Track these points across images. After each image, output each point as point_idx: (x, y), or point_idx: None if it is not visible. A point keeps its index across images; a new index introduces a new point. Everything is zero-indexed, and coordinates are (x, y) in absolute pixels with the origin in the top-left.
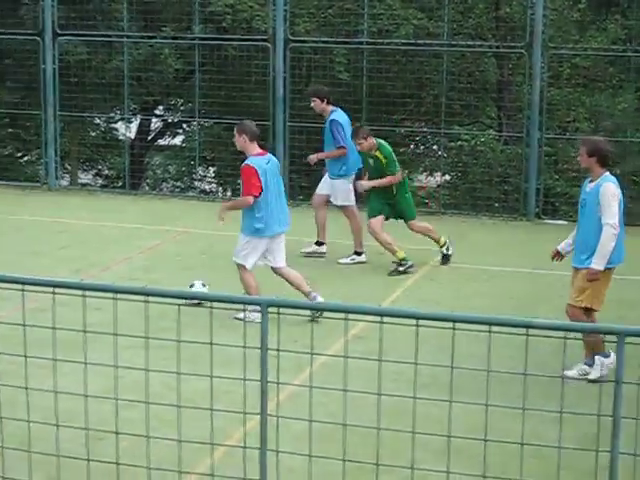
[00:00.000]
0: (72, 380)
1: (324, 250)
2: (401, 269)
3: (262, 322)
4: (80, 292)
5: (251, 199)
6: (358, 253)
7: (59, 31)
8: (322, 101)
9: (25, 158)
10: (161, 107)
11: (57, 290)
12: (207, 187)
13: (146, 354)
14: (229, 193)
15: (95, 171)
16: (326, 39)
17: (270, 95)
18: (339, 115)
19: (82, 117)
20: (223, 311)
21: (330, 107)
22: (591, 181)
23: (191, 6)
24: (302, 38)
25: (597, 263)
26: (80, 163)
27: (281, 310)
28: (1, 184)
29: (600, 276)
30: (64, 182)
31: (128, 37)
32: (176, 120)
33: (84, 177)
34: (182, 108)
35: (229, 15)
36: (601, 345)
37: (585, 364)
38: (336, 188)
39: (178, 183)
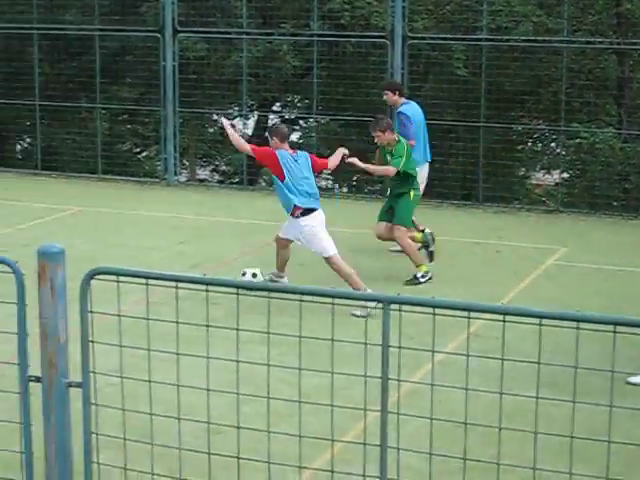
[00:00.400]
0: (192, 374)
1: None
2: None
3: (384, 319)
4: (203, 287)
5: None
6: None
7: (179, 28)
8: (394, 94)
9: (144, 154)
10: (278, 104)
11: (179, 285)
12: (323, 183)
13: (267, 349)
14: (345, 189)
15: (212, 167)
16: (444, 36)
17: None
18: (408, 108)
19: (200, 113)
20: (337, 306)
21: (402, 100)
22: None
23: (309, 3)
24: (420, 35)
25: None
26: (197, 159)
27: (402, 307)
28: (120, 179)
29: None
30: (182, 178)
31: (247, 34)
32: (293, 117)
33: (201, 173)
34: (299, 105)
35: (347, 12)
36: None
37: None
38: None
39: None
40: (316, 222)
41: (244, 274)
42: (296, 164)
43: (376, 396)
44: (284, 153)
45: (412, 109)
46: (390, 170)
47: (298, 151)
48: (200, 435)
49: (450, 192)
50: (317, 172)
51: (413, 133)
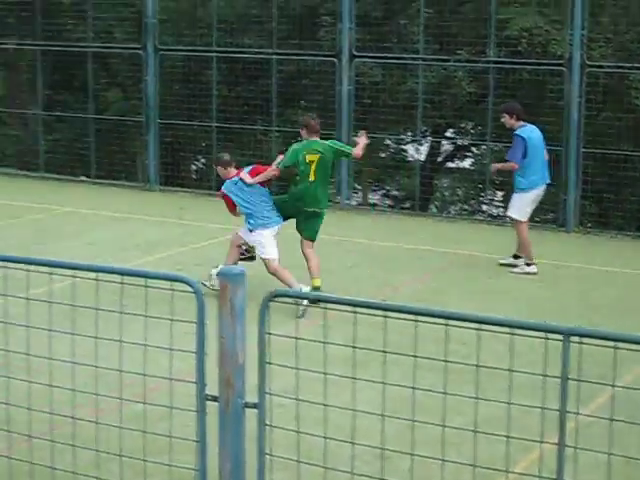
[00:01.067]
0: (361, 398)
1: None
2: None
3: (563, 350)
4: (380, 312)
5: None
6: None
7: (355, 53)
8: (511, 117)
9: None
10: (451, 130)
11: (357, 309)
12: (495, 211)
13: (444, 376)
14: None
15: (383, 191)
16: (623, 64)
17: (564, 120)
18: (525, 130)
19: (374, 138)
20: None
21: (520, 122)
22: None
23: (487, 29)
24: (598, 63)
25: None
26: (369, 183)
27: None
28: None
29: None
30: (354, 202)
31: (423, 59)
32: (466, 143)
33: (373, 197)
34: (472, 131)
35: (524, 39)
36: None
37: None
38: (513, 199)
39: (465, 206)
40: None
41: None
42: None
43: (548, 428)
44: (227, 183)
45: (528, 131)
46: (271, 171)
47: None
48: (370, 460)
49: (625, 222)
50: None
51: (516, 156)
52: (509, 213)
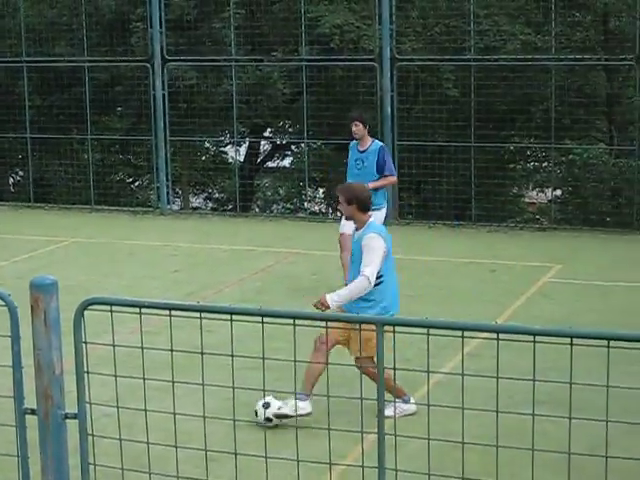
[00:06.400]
0: (188, 402)
1: None
2: None
3: (378, 340)
4: (196, 314)
5: None
6: None
7: (168, 57)
8: (365, 126)
9: (136, 183)
10: (269, 130)
11: (172, 312)
12: (317, 208)
13: (262, 375)
14: (338, 214)
15: (205, 194)
16: (433, 57)
17: (378, 114)
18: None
19: (192, 141)
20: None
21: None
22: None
23: (298, 28)
24: (409, 57)
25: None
26: (191, 187)
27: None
28: (113, 209)
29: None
30: (175, 206)
31: (236, 61)
32: (284, 142)
33: (195, 201)
34: (290, 130)
35: (336, 36)
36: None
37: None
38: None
39: (288, 205)
40: None
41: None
42: None
43: (372, 419)
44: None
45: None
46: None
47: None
48: (198, 463)
49: (443, 212)
50: None
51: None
52: None
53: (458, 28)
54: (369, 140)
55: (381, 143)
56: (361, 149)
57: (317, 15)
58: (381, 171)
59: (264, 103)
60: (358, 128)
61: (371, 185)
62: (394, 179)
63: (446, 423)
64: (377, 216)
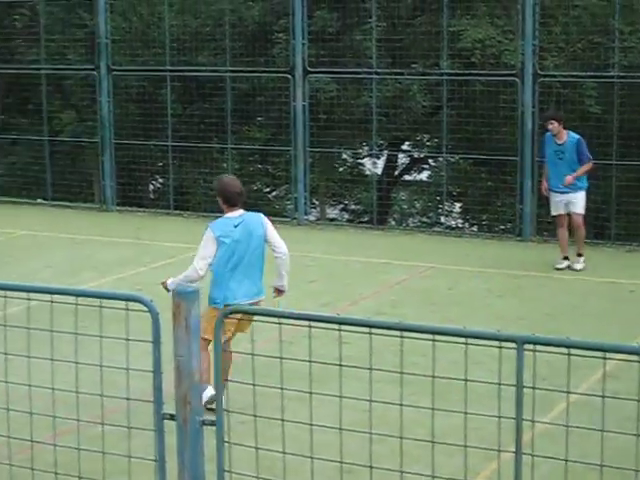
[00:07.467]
0: (323, 413)
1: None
2: None
3: (517, 359)
4: (336, 326)
5: None
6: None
7: (309, 68)
8: (560, 123)
9: (273, 193)
10: (408, 142)
11: (312, 324)
12: (453, 223)
13: (403, 389)
14: (475, 228)
15: (342, 206)
16: (575, 73)
17: (518, 130)
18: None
19: (330, 153)
20: (471, 347)
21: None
22: None
23: (439, 42)
24: (551, 72)
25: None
26: (327, 198)
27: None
28: None
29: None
30: (312, 217)
31: (377, 73)
32: (422, 156)
33: (331, 212)
34: (428, 143)
35: (478, 50)
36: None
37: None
38: (578, 198)
39: (424, 218)
40: None
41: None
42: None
43: (508, 437)
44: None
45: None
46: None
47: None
48: (331, 475)
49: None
50: None
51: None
52: (579, 211)
53: (602, 45)
54: (565, 133)
55: (578, 136)
56: (559, 142)
57: (459, 29)
58: (580, 160)
59: (403, 116)
60: (554, 126)
61: (574, 175)
62: (591, 165)
63: (581, 444)
64: (581, 196)
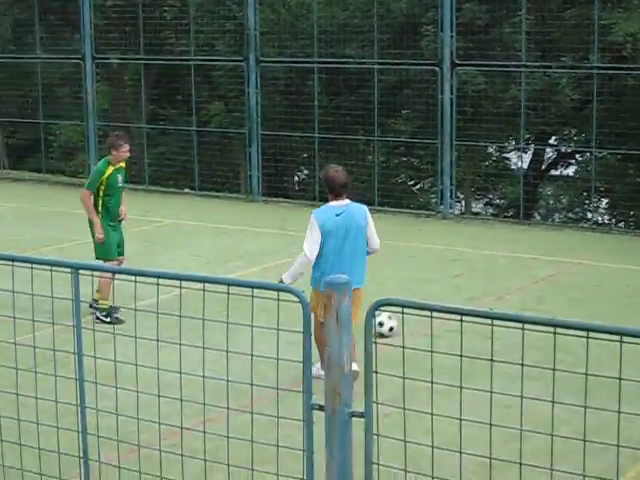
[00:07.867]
0: (465, 407)
1: None
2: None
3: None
4: (485, 320)
5: None
6: None
7: (457, 61)
8: None
9: (417, 186)
10: (555, 137)
11: (464, 318)
12: (600, 219)
13: (551, 385)
14: (622, 225)
15: (486, 200)
16: None
17: None
18: None
19: (477, 146)
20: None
21: None
22: None
23: (590, 35)
24: None
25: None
26: (472, 192)
27: None
28: (395, 211)
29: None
30: (456, 210)
31: (526, 67)
32: (570, 150)
33: (475, 206)
34: (575, 138)
35: (629, 44)
36: None
37: None
38: None
39: (570, 214)
40: None
41: (381, 324)
42: None
43: None
44: None
45: None
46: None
47: None
48: (475, 469)
49: None
50: None
51: None
52: None
53: None
54: None
55: None
56: None
57: (610, 22)
58: None
59: (551, 110)
60: None
61: None
62: None
63: None
64: None
